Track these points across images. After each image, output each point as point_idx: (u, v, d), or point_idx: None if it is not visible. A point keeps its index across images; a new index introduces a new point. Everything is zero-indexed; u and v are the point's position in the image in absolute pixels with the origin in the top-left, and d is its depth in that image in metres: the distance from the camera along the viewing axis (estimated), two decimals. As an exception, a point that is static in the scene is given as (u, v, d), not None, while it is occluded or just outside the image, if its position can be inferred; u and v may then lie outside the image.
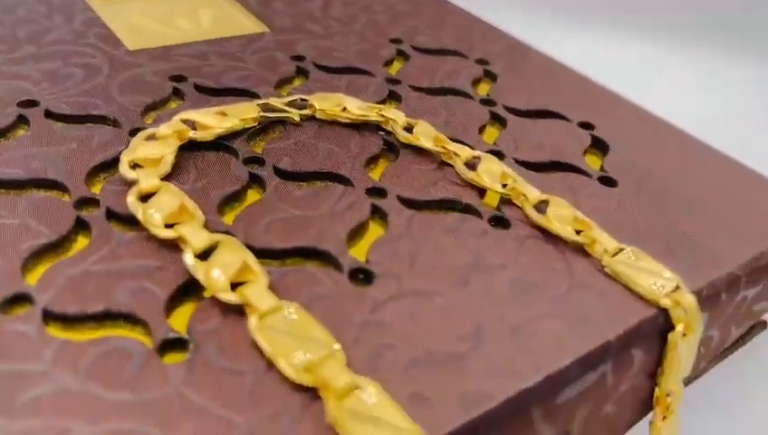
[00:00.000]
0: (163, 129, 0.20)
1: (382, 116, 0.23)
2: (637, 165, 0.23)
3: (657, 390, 0.19)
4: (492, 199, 0.21)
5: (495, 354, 0.16)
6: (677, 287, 0.18)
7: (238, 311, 0.16)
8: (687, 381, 0.20)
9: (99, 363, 0.14)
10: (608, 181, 0.22)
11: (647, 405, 0.19)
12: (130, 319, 0.15)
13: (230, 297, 0.16)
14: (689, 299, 0.18)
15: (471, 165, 0.21)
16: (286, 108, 0.23)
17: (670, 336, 0.18)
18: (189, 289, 0.16)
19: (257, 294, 0.16)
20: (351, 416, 0.13)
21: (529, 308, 0.17)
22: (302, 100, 0.23)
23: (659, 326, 0.18)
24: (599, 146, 0.24)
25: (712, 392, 0.24)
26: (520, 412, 0.15)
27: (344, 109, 0.23)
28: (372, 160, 0.22)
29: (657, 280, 0.18)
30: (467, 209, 0.20)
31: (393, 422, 0.13)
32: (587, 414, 0.17)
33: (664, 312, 0.18)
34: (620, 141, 0.25)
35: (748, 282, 0.20)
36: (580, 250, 0.19)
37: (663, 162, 0.24)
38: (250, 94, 0.24)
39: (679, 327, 0.18)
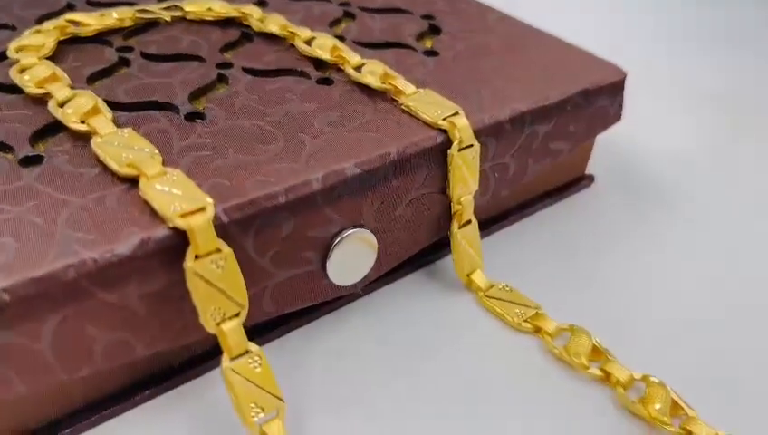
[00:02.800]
0: (47, 24, 0.25)
1: (242, 12, 0.27)
2: (460, 42, 0.27)
3: (452, 204, 0.23)
4: (322, 67, 0.25)
5: (289, 158, 0.20)
6: (456, 114, 0.22)
7: (86, 138, 0.20)
8: (512, 214, 0.24)
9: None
10: (431, 53, 0.27)
11: (447, 218, 0.23)
12: (3, 147, 0.20)
13: (79, 126, 0.20)
14: (463, 121, 0.22)
15: (308, 42, 0.26)
16: (160, 11, 0.27)
17: (449, 151, 0.22)
18: (52, 128, 0.21)
19: (101, 122, 0.20)
20: (156, 191, 0.18)
21: (333, 128, 0.21)
22: (175, 6, 0.27)
23: (440, 145, 0.22)
24: (433, 31, 0.29)
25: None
26: (309, 204, 0.19)
27: (209, 9, 0.27)
28: (229, 47, 0.26)
29: (438, 110, 0.22)
30: (300, 74, 0.24)
31: (189, 195, 0.18)
32: (377, 211, 0.21)
33: (444, 133, 0.22)
34: (452, 27, 0.29)
35: (534, 118, 0.24)
36: (387, 96, 0.23)
37: (486, 39, 0.28)
38: (133, 4, 0.28)
39: (455, 142, 0.22)
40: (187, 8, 0.27)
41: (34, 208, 0.17)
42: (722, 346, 0.23)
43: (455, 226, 0.23)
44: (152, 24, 0.27)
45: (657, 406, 0.20)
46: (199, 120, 0.22)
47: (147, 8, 0.27)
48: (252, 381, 0.18)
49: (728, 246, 0.28)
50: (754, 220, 0.29)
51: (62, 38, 0.25)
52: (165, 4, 0.27)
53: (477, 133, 0.23)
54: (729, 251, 0.27)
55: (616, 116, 0.28)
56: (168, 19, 0.27)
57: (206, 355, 0.21)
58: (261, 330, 0.22)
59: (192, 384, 0.20)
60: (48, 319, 0.16)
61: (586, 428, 0.20)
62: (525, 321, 0.23)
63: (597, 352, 0.22)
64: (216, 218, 0.18)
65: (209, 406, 0.20)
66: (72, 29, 0.25)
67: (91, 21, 0.25)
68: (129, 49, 0.25)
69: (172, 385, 0.20)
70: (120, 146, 0.19)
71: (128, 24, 0.26)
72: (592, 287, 0.25)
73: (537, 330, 0.23)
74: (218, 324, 0.18)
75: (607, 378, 0.21)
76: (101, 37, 0.26)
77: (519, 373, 0.22)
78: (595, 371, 0.21)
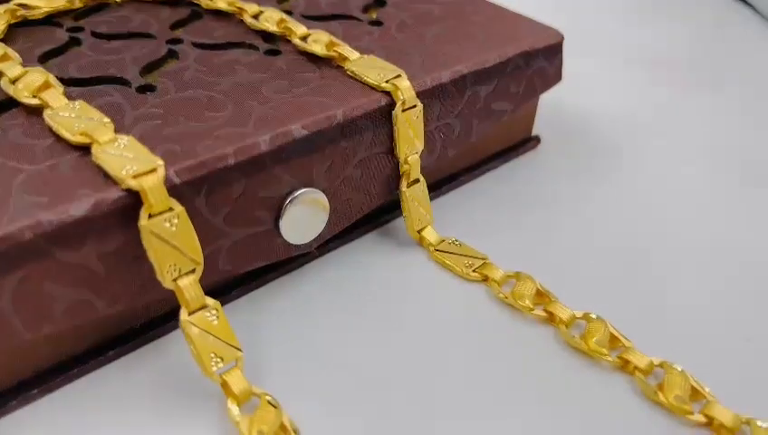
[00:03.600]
0: (-4, 8, 0.25)
1: (190, -9, 0.28)
2: (404, 12, 0.29)
3: (399, 163, 0.24)
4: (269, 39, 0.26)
5: (238, 123, 0.21)
6: (398, 76, 0.23)
7: (39, 111, 0.21)
8: (456, 175, 0.25)
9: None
10: (376, 23, 0.28)
11: (396, 178, 0.24)
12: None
13: (31, 101, 0.20)
14: (405, 83, 0.23)
15: (256, 16, 0.26)
16: (109, -7, 0.28)
17: (393, 112, 0.23)
18: (6, 105, 0.21)
19: (52, 96, 0.20)
20: (108, 155, 0.18)
21: (281, 94, 0.22)
22: (125, -13, 0.28)
23: (385, 106, 0.23)
24: (378, 2, 0.30)
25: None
26: (258, 165, 0.20)
27: (158, -11, 0.28)
28: (179, 24, 0.27)
29: (381, 73, 0.23)
30: (249, 47, 0.25)
31: (141, 158, 0.18)
32: (327, 171, 0.22)
33: (388, 95, 0.23)
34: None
35: (475, 80, 0.25)
36: (333, 63, 0.24)
37: (429, 8, 0.29)
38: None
39: (398, 103, 0.23)
40: (136, -11, 0.28)
41: (-10, 177, 0.18)
42: (656, 286, 0.24)
43: (403, 184, 0.24)
44: (103, 6, 0.27)
45: (596, 339, 0.21)
46: (150, 93, 0.22)
47: (96, -10, 0.27)
48: (210, 333, 0.19)
49: (663, 196, 0.29)
50: (688, 173, 0.31)
51: (12, 21, 0.25)
52: (115, -14, 0.28)
53: (420, 95, 0.24)
54: (664, 201, 0.29)
55: (556, 77, 0.29)
56: (119, 0, 0.27)
57: (168, 316, 0.22)
58: (221, 290, 0.23)
59: (156, 343, 0.21)
60: (7, 279, 0.17)
61: (532, 365, 0.21)
62: (474, 271, 0.24)
63: (541, 295, 0.23)
64: (167, 180, 0.18)
65: (173, 362, 0.21)
66: (22, 12, 0.25)
67: (41, 3, 0.26)
68: (80, 29, 0.26)
69: (136, 345, 0.21)
70: (72, 117, 0.20)
71: (77, 5, 0.27)
72: (537, 239, 0.26)
73: (485, 279, 0.24)
74: (175, 280, 0.18)
75: (551, 318, 0.22)
76: (52, 19, 0.26)
77: (469, 320, 0.23)
78: (539, 312, 0.22)
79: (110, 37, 0.25)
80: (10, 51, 0.23)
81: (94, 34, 0.25)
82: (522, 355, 0.22)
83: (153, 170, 0.18)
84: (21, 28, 0.25)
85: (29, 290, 0.17)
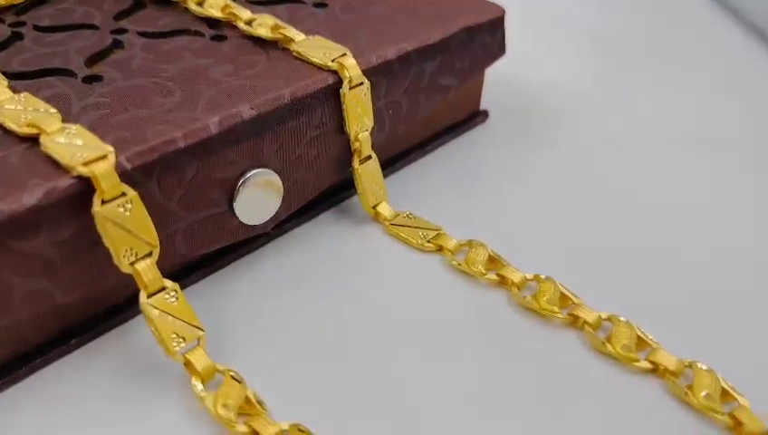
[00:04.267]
0: (-67, 6, 0.25)
1: (132, -18, 0.28)
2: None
3: (350, 141, 0.24)
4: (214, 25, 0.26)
5: (187, 108, 0.21)
6: (344, 55, 0.24)
7: (-16, 106, 0.20)
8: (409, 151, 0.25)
9: None
10: (320, 6, 0.28)
11: (348, 155, 0.25)
12: None
13: (-24, 96, 0.20)
14: (351, 61, 0.23)
15: (200, 4, 0.27)
16: (49, -14, 0.27)
17: (341, 90, 0.23)
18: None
19: (-4, 91, 0.20)
20: (57, 144, 0.18)
21: (228, 77, 0.22)
22: (65, -20, 0.28)
23: (332, 85, 0.23)
24: (323, -15, 0.30)
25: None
26: (209, 147, 0.21)
27: (100, -19, 0.28)
28: (123, 15, 0.27)
29: (327, 53, 0.24)
30: (194, 34, 0.25)
31: (91, 145, 0.19)
32: (278, 151, 0.22)
33: (335, 73, 0.23)
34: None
35: (420, 57, 0.26)
36: (279, 46, 0.25)
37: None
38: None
39: (345, 81, 0.23)
40: (77, -19, 0.28)
41: (-63, 172, 0.18)
42: (599, 244, 0.26)
43: (356, 162, 0.25)
44: (44, 0, 0.27)
45: (546, 298, 0.22)
46: (97, 83, 0.22)
47: (36, -16, 0.27)
48: (170, 314, 0.19)
49: (605, 163, 0.30)
50: (628, 140, 0.32)
51: (-50, 18, 0.25)
52: (55, -20, 0.28)
53: (367, 73, 0.24)
54: (606, 167, 0.30)
55: (500, 51, 0.30)
56: (60, -7, 0.27)
57: (131, 301, 0.22)
58: (179, 275, 0.23)
59: (120, 329, 0.21)
60: (-38, 270, 0.17)
61: (487, 327, 0.22)
62: (428, 242, 0.25)
63: (493, 261, 0.24)
64: (119, 166, 0.19)
65: (137, 347, 0.21)
66: (-40, 9, 0.25)
67: (-20, -1, 0.26)
68: (22, 24, 0.25)
69: (100, 332, 0.21)
70: (19, 109, 0.20)
71: (19, 1, 0.27)
72: (489, 208, 0.27)
73: (440, 248, 0.25)
74: (132, 264, 0.19)
75: (503, 281, 0.23)
76: (-8, 15, 0.26)
77: (426, 289, 0.23)
78: (492, 276, 0.23)
79: (52, 30, 0.25)
80: (-50, 47, 0.23)
81: (36, 28, 0.25)
82: (477, 318, 0.22)
83: (104, 157, 0.18)
84: (-40, 25, 0.25)
85: (-16, 281, 0.17)
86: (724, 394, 0.20)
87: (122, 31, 0.25)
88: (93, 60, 0.24)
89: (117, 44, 0.25)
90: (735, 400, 0.20)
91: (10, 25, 0.25)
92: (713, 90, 0.37)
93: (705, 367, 0.20)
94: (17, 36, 0.25)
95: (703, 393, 0.20)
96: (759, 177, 0.30)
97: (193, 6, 0.26)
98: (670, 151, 0.31)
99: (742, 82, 0.38)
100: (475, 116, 0.32)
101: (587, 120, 0.33)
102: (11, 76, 0.22)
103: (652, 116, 0.34)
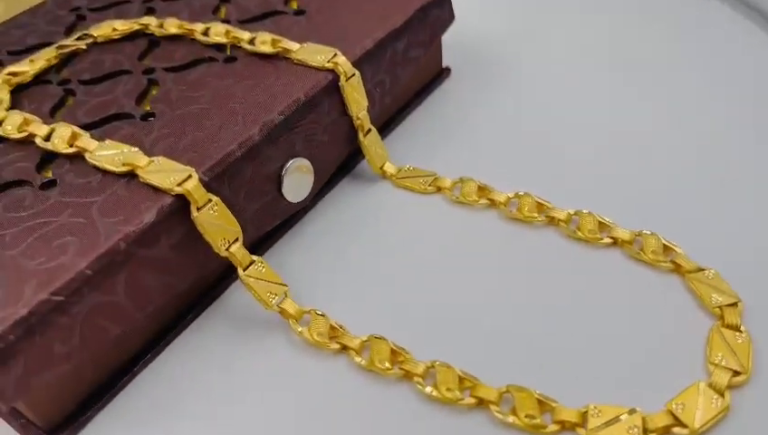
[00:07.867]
0: (-6, 82, 0.30)
1: (141, 24, 0.33)
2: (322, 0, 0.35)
3: (353, 120, 0.31)
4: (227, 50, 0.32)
5: (230, 124, 0.27)
6: (335, 54, 0.30)
7: (77, 156, 0.26)
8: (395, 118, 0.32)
9: None
10: (299, 13, 0.34)
11: (354, 132, 0.31)
12: (20, 183, 0.26)
13: (69, 150, 0.26)
14: (342, 59, 0.30)
15: (205, 33, 0.32)
16: (74, 42, 0.33)
17: (340, 84, 0.29)
18: (47, 158, 0.27)
19: (85, 142, 0.26)
20: (152, 174, 0.25)
21: (251, 91, 0.28)
22: (85, 34, 0.33)
23: (332, 81, 0.29)
24: (295, -7, 0.36)
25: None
26: (256, 151, 0.27)
27: (114, 29, 0.33)
28: (143, 55, 0.32)
29: (322, 56, 0.30)
30: (209, 60, 0.31)
31: (176, 169, 0.25)
32: (304, 141, 0.29)
33: (332, 71, 0.29)
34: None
35: (392, 40, 0.32)
36: (281, 57, 0.31)
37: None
38: (49, 44, 0.34)
39: (342, 76, 0.29)
40: (95, 33, 0.33)
41: (73, 214, 0.24)
42: (559, 158, 0.33)
43: (360, 135, 0.31)
44: (72, 56, 0.33)
45: (527, 209, 0.29)
46: (152, 119, 0.28)
47: (63, 43, 0.32)
48: (262, 279, 0.26)
49: (561, 95, 0.37)
50: (577, 74, 0.39)
51: (10, 88, 0.30)
52: (75, 36, 0.33)
53: (355, 64, 0.30)
54: (562, 99, 0.37)
55: (450, 18, 0.36)
56: (84, 47, 0.33)
57: (221, 279, 0.28)
58: (252, 251, 0.29)
59: (216, 303, 0.28)
60: (117, 276, 0.23)
61: (485, 238, 0.29)
62: (429, 186, 0.31)
63: (482, 189, 0.31)
64: (200, 181, 0.25)
65: (237, 311, 0.28)
66: (15, 79, 0.30)
67: (27, 68, 0.31)
68: (67, 81, 0.31)
69: (205, 306, 0.28)
70: (111, 153, 0.26)
71: (54, 61, 0.32)
72: (470, 148, 0.34)
73: (439, 189, 0.31)
74: (227, 249, 0.25)
75: (492, 203, 0.30)
76: (39, 78, 0.31)
77: (434, 222, 0.30)
78: (484, 201, 0.30)
79: (95, 81, 0.31)
80: (28, 114, 0.28)
81: (81, 82, 0.31)
82: (478, 234, 0.29)
83: (189, 176, 0.24)
84: (18, 93, 0.30)
85: (134, 281, 0.24)
86: (666, 249, 0.27)
87: (151, 70, 0.31)
88: (140, 100, 0.29)
89: (152, 83, 0.30)
90: (674, 251, 0.27)
91: (59, 84, 0.31)
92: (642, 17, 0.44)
93: (649, 232, 0.28)
94: (70, 93, 0.30)
95: (651, 250, 0.27)
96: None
97: (200, 37, 0.32)
98: (616, 81, 0.38)
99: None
100: (441, 74, 0.38)
101: (533, 60, 0.40)
102: (83, 127, 0.28)
103: (598, 53, 0.41)
